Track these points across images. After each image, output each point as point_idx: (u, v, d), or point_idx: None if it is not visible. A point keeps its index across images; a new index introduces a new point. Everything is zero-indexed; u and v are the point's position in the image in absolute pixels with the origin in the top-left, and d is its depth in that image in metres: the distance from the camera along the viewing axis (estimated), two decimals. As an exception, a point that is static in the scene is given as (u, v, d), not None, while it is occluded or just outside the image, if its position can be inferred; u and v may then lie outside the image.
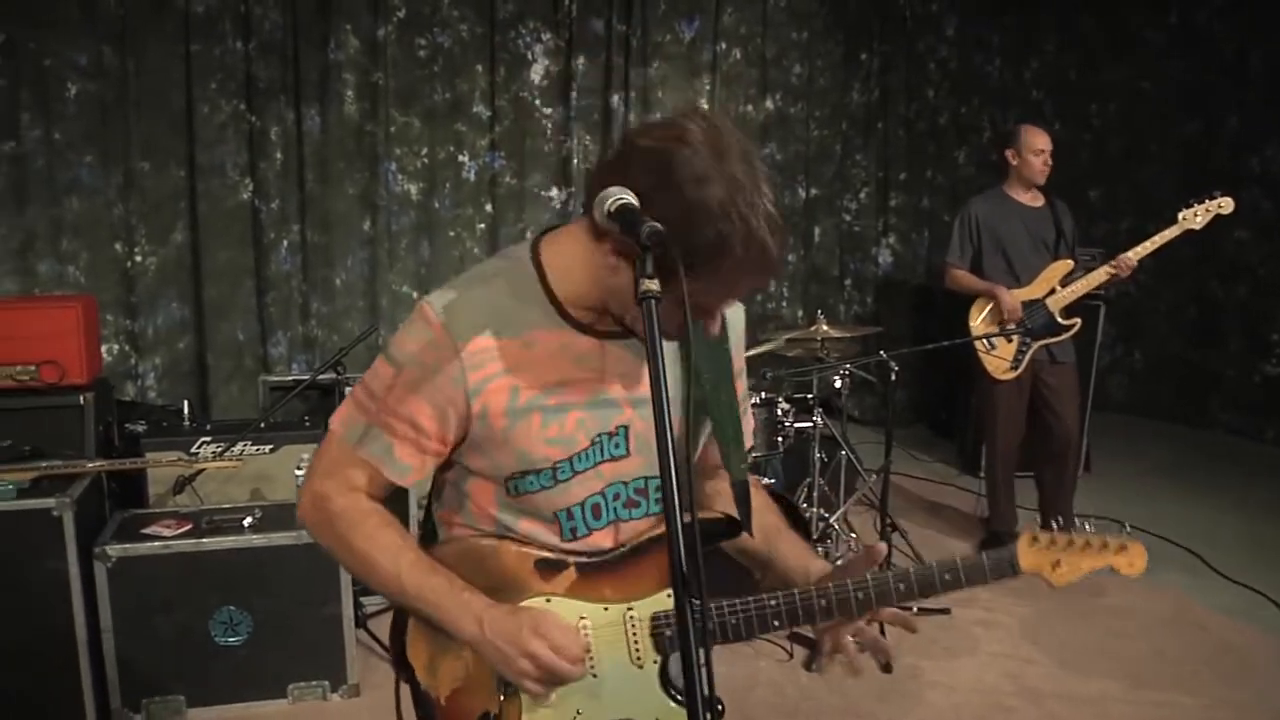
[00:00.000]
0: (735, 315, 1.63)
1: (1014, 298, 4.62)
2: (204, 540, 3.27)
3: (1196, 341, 7.66)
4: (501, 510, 1.53)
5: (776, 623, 1.54)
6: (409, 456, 1.46)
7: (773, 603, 1.53)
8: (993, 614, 4.15)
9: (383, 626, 3.90)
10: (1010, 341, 4.65)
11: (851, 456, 4.77)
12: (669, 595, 1.50)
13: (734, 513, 1.60)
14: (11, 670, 3.08)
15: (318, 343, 6.01)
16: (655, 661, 1.52)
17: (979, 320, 4.73)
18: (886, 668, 3.67)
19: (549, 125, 6.50)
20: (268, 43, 5.71)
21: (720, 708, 1.55)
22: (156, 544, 3.23)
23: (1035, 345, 4.66)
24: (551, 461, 1.46)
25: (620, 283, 1.33)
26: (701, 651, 1.15)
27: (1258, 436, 7.16)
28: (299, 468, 3.48)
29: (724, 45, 6.87)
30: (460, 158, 6.30)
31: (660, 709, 1.53)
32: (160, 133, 5.61)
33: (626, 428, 1.51)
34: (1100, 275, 4.52)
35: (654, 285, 1.18)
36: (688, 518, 1.47)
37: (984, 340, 4.63)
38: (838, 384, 4.60)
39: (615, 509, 1.53)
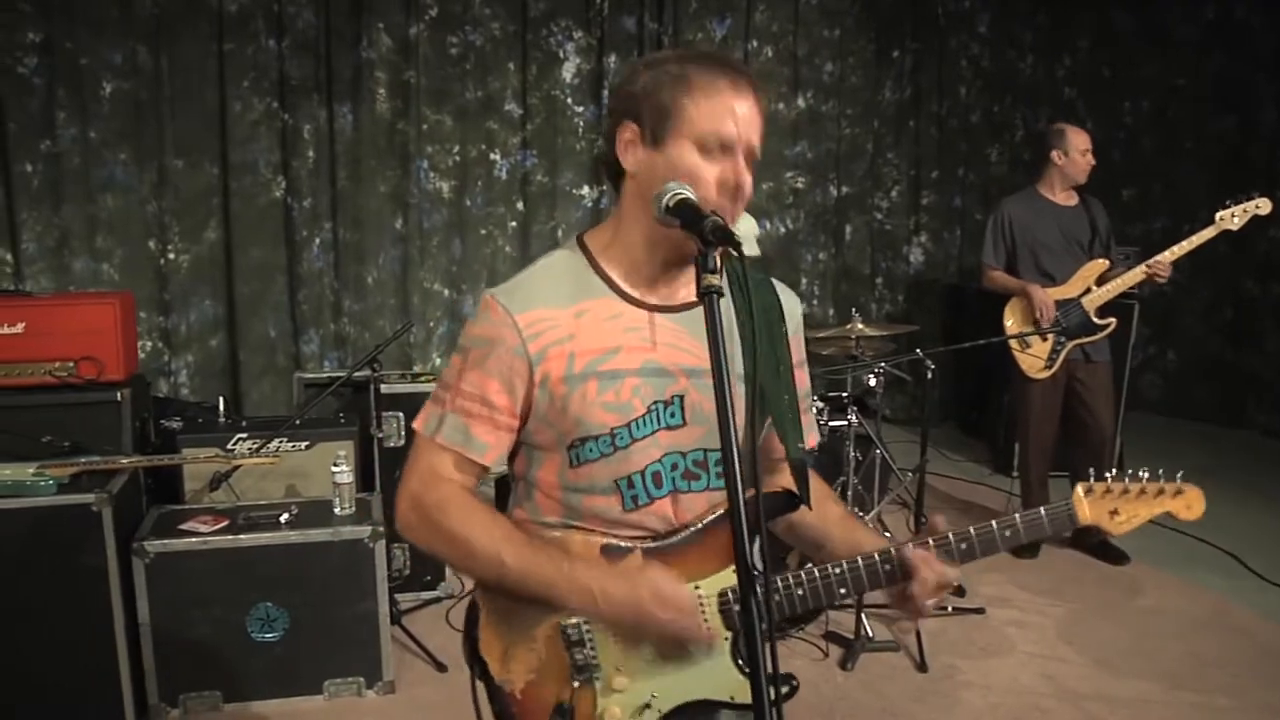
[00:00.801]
0: (791, 304, 1.66)
1: (1048, 295, 4.58)
2: (241, 536, 3.27)
3: (1231, 341, 7.57)
4: (565, 490, 1.55)
5: (843, 590, 1.56)
6: (485, 434, 1.52)
7: (837, 570, 1.55)
8: (1027, 614, 4.11)
9: (416, 623, 3.91)
10: (1045, 340, 4.62)
11: (886, 455, 4.74)
12: (734, 572, 1.50)
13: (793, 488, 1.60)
14: (50, 664, 3.10)
15: (349, 340, 6.03)
16: (726, 638, 1.53)
17: (1014, 319, 4.70)
18: (922, 667, 3.66)
19: (580, 123, 6.50)
20: (300, 41, 5.74)
21: (794, 684, 1.59)
22: (194, 540, 3.24)
23: (1070, 344, 4.62)
24: (609, 428, 1.50)
25: (677, 233, 1.38)
26: (764, 625, 1.18)
27: (1295, 437, 7.07)
28: (335, 464, 3.48)
29: (755, 43, 6.85)
30: (492, 156, 6.31)
31: (735, 686, 1.54)
32: (194, 131, 5.65)
33: (682, 396, 1.54)
34: (1136, 275, 4.48)
35: (716, 280, 1.24)
36: (749, 494, 1.53)
37: (1019, 339, 4.60)
38: (872, 382, 4.57)
39: (674, 479, 1.55)
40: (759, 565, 1.48)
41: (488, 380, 1.50)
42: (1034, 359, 4.66)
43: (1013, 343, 4.62)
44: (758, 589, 1.18)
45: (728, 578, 1.52)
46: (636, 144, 1.48)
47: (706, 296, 1.23)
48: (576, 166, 6.52)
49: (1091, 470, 1.62)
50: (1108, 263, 4.63)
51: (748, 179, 1.47)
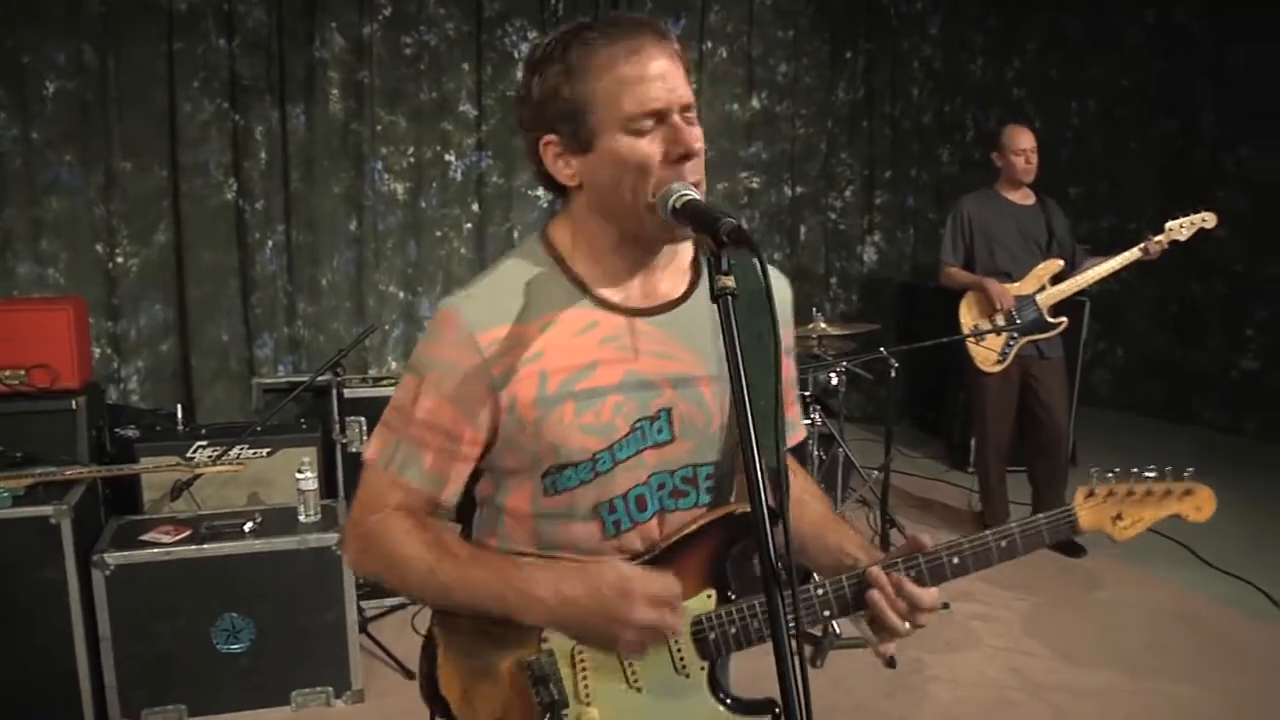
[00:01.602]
0: (781, 286, 1.55)
1: (1003, 288, 4.64)
2: (205, 546, 3.21)
3: (1177, 338, 7.74)
4: (539, 518, 1.44)
5: (827, 612, 1.45)
6: (441, 467, 1.40)
7: (820, 592, 1.44)
8: (990, 608, 4.16)
9: (383, 630, 3.86)
10: (999, 335, 4.69)
11: (848, 454, 4.77)
12: (708, 596, 1.44)
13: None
14: (9, 680, 3.02)
15: (304, 344, 5.93)
16: (702, 668, 1.44)
17: (969, 313, 4.76)
18: (891, 662, 3.68)
19: (536, 124, 6.44)
20: (252, 40, 5.63)
21: (776, 711, 1.49)
22: (156, 551, 3.17)
23: (1022, 341, 4.69)
24: (590, 453, 1.38)
25: (608, 194, 1.33)
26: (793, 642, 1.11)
27: (1238, 431, 7.24)
28: (300, 471, 3.42)
29: (710, 44, 6.85)
30: (447, 157, 6.24)
31: (712, 716, 1.45)
32: (142, 132, 5.52)
33: (669, 410, 1.42)
34: (1128, 257, 4.53)
35: (730, 282, 1.17)
36: (741, 510, 1.47)
37: (975, 336, 4.66)
38: (834, 381, 4.60)
39: (661, 499, 1.44)
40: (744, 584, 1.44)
41: (445, 406, 1.37)
42: (987, 352, 4.72)
43: (968, 337, 4.68)
44: (782, 600, 1.12)
45: (701, 603, 1.43)
46: (566, 155, 1.35)
47: (721, 299, 1.16)
48: (531, 168, 6.45)
49: (1094, 470, 1.52)
50: (1062, 262, 4.70)
51: (693, 135, 1.30)
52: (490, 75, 6.25)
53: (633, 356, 1.40)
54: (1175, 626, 4.08)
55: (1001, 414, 4.85)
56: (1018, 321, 4.65)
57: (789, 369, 1.59)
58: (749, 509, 1.46)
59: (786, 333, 1.57)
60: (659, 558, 1.44)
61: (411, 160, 6.13)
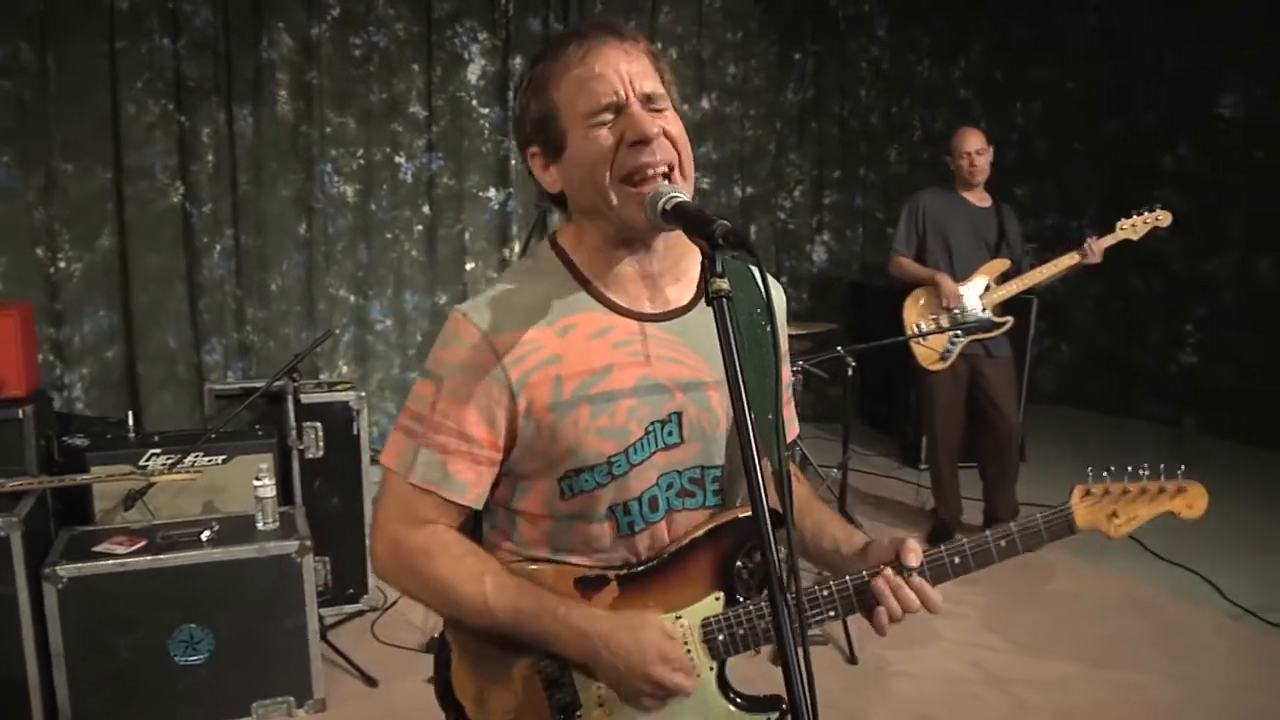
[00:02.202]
0: (776, 292, 1.57)
1: (953, 284, 4.70)
2: (161, 556, 3.13)
3: (1119, 334, 7.91)
4: (555, 520, 1.45)
5: (831, 613, 1.48)
6: (465, 471, 1.39)
7: (825, 593, 1.47)
8: (949, 604, 4.14)
9: (343, 637, 3.81)
10: (942, 333, 4.74)
11: (805, 453, 4.81)
12: (716, 599, 1.46)
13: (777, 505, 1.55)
14: (-44, 701, 2.93)
15: (254, 349, 5.86)
16: (711, 669, 1.46)
17: (912, 309, 4.80)
18: (853, 659, 3.71)
19: (486, 125, 6.43)
20: (198, 40, 5.55)
21: (784, 707, 1.50)
22: (110, 562, 3.09)
23: (966, 339, 4.75)
24: (606, 456, 1.39)
25: (584, 194, 1.36)
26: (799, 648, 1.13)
27: (1178, 424, 7.40)
28: (258, 478, 3.37)
29: (660, 45, 6.85)
30: (397, 159, 6.20)
31: (721, 716, 1.47)
32: (84, 133, 5.41)
33: (680, 414, 1.43)
34: (1066, 261, 4.61)
35: (724, 284, 1.18)
36: (746, 513, 1.48)
37: (917, 329, 4.71)
38: (790, 380, 4.63)
39: (669, 499, 1.45)
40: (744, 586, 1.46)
41: (464, 412, 1.37)
42: (929, 350, 4.77)
43: (910, 333, 4.73)
44: (788, 603, 1.14)
45: (710, 606, 1.46)
46: (546, 164, 1.40)
47: (716, 302, 1.17)
48: (483, 169, 6.45)
49: (1090, 470, 1.54)
50: (1009, 263, 4.77)
51: (648, 120, 1.31)
52: (440, 76, 6.22)
53: (645, 361, 1.41)
54: (1128, 617, 4.17)
55: (951, 412, 4.91)
56: (960, 320, 4.71)
57: (785, 374, 1.61)
58: (745, 514, 1.50)
59: (783, 337, 1.59)
60: (668, 561, 1.46)
61: (361, 162, 6.08)
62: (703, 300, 1.45)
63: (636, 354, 1.41)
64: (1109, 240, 4.55)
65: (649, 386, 1.41)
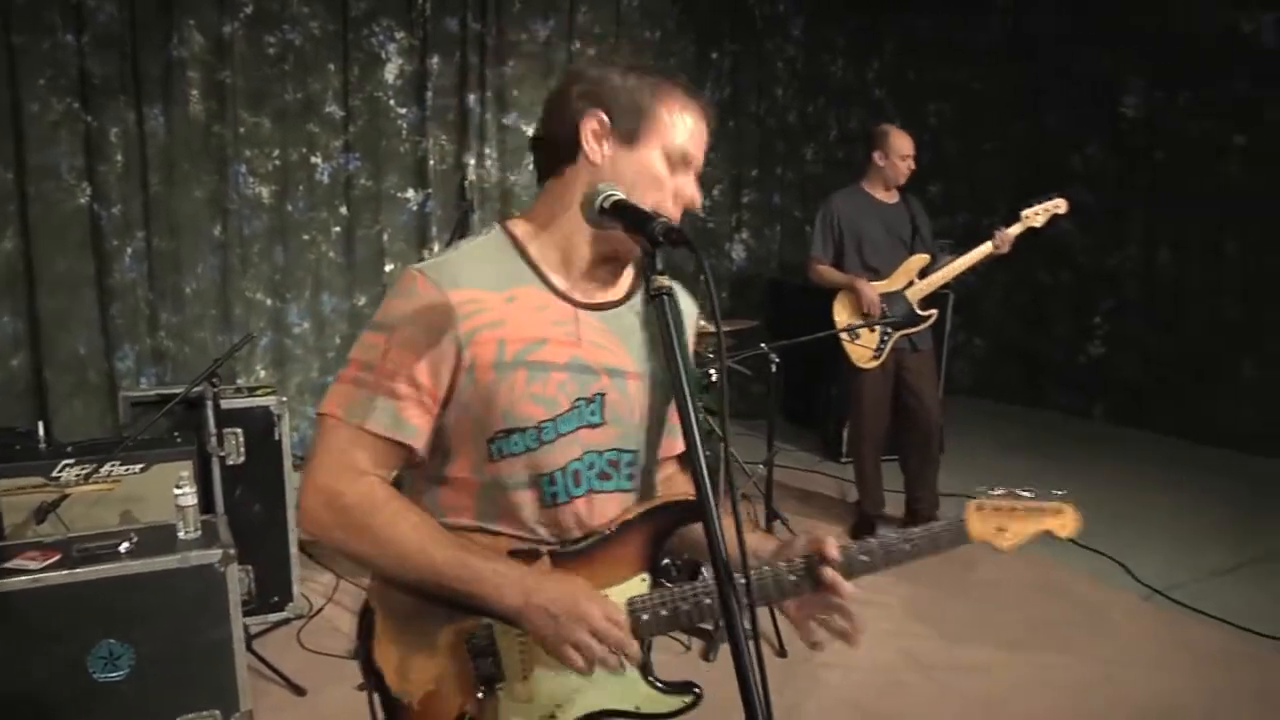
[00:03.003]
0: (689, 306, 1.70)
1: (874, 290, 4.79)
2: (77, 570, 3.03)
3: (1029, 327, 8.14)
4: (482, 485, 1.49)
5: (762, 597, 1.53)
6: (416, 418, 1.44)
7: (770, 575, 1.52)
8: (875, 594, 4.29)
9: (269, 646, 3.74)
10: (873, 332, 4.83)
11: (731, 451, 4.84)
12: (643, 580, 1.52)
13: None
14: None
15: (169, 354, 5.69)
16: None
17: (844, 312, 4.88)
18: (782, 652, 3.77)
19: (404, 126, 6.35)
20: (103, 36, 5.35)
21: (697, 691, 1.58)
22: (23, 579, 2.97)
23: (896, 335, 4.85)
24: (536, 421, 1.46)
25: (619, 185, 1.42)
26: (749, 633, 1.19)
27: (1087, 413, 7.66)
28: (178, 486, 3.28)
29: (579, 44, 6.86)
30: (313, 159, 6.08)
31: (640, 697, 1.53)
32: (-18, 131, 5.20)
33: (603, 395, 1.52)
34: (981, 251, 4.72)
35: (666, 281, 1.25)
36: (673, 500, 1.57)
37: (849, 331, 4.80)
38: (714, 378, 4.66)
39: (590, 479, 1.52)
40: (670, 573, 1.51)
41: (414, 359, 1.42)
42: (863, 350, 4.86)
43: (843, 334, 4.81)
44: (736, 589, 1.19)
45: (636, 586, 1.51)
46: (605, 136, 1.46)
47: (658, 298, 1.24)
48: (401, 169, 6.36)
49: (980, 489, 1.67)
50: (929, 258, 4.88)
51: (698, 194, 1.52)
52: (357, 75, 6.12)
53: (576, 342, 1.50)
54: (1047, 601, 4.31)
55: (878, 407, 5.01)
56: (889, 317, 4.80)
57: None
58: (681, 499, 1.57)
59: (691, 343, 1.69)
60: (600, 541, 1.52)
61: (277, 163, 5.95)
62: (632, 298, 1.59)
63: (570, 334, 1.51)
64: (1017, 229, 4.68)
65: (579, 365, 1.50)
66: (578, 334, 1.50)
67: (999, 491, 1.65)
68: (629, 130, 1.46)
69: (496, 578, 1.39)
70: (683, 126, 1.48)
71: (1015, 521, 1.63)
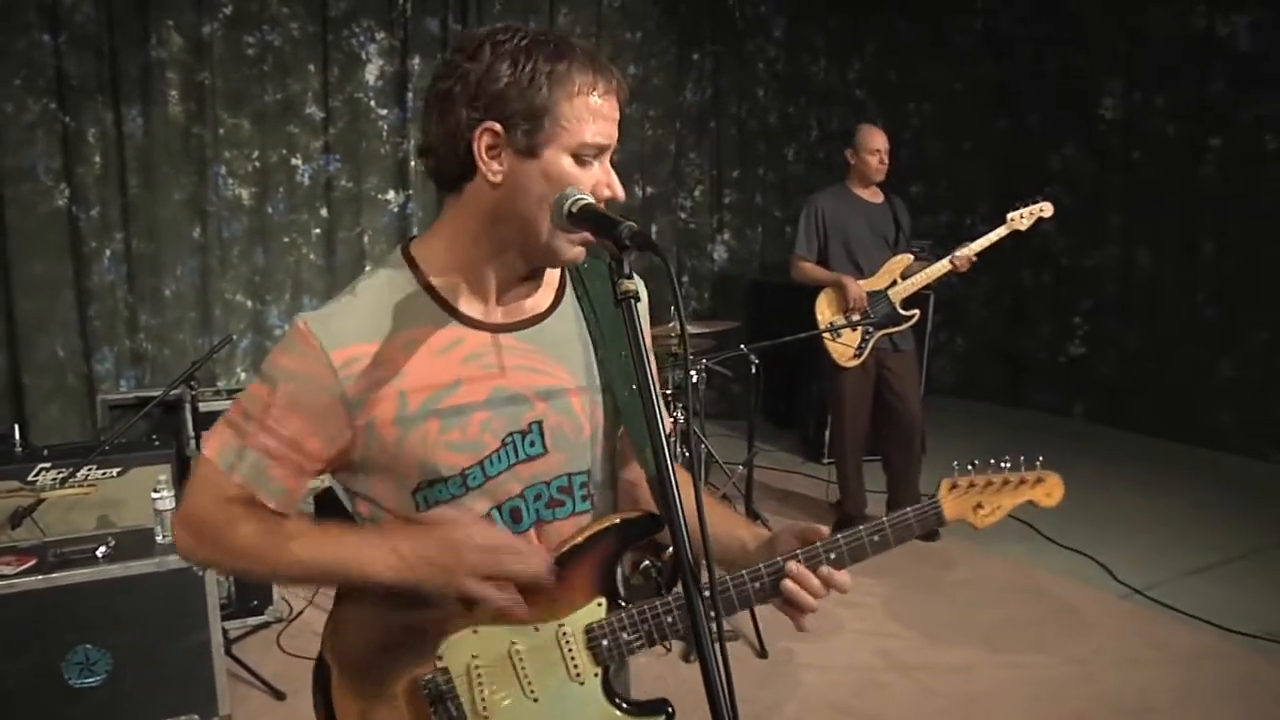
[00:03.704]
0: (641, 290, 1.54)
1: (859, 287, 4.81)
2: (54, 575, 3.02)
3: (1011, 327, 8.18)
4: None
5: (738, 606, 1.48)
6: (285, 479, 1.38)
7: (722, 590, 1.46)
8: (853, 595, 4.23)
9: (248, 650, 3.73)
10: (855, 331, 4.85)
11: (710, 450, 4.86)
12: (599, 604, 1.46)
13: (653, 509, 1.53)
14: None
15: (148, 357, 5.67)
16: (596, 675, 1.46)
17: (826, 310, 4.90)
18: (762, 653, 3.78)
19: (385, 127, 6.34)
20: (80, 37, 5.33)
21: (669, 711, 1.52)
22: (-1, 583, 2.98)
23: (878, 334, 4.87)
24: (459, 469, 1.38)
25: (527, 202, 1.32)
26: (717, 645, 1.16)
27: (1067, 412, 7.70)
28: (156, 489, 3.27)
29: (559, 45, 6.84)
30: (293, 161, 6.07)
31: (608, 719, 1.47)
32: (-44, 132, 5.17)
33: (540, 423, 1.42)
34: (939, 269, 4.75)
35: (632, 285, 1.19)
36: (625, 518, 1.50)
37: (831, 330, 4.81)
38: (694, 379, 4.68)
39: (537, 510, 1.44)
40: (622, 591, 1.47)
41: (296, 420, 1.35)
42: (844, 348, 4.88)
43: (825, 333, 4.83)
44: (700, 603, 1.17)
45: (593, 612, 1.45)
46: (501, 150, 1.30)
47: (625, 303, 1.18)
48: (381, 171, 6.35)
49: (955, 464, 1.60)
50: (912, 257, 4.90)
51: (618, 185, 1.36)
52: (337, 76, 6.11)
53: (499, 372, 1.40)
54: (1024, 601, 4.33)
55: (860, 407, 5.03)
56: (871, 316, 4.82)
57: (651, 366, 1.58)
58: (632, 516, 1.50)
59: (645, 332, 1.55)
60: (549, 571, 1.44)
61: (257, 164, 5.94)
62: (561, 305, 1.50)
63: (490, 366, 1.40)
64: (979, 244, 4.68)
65: (504, 398, 1.40)
66: (499, 363, 1.40)
67: (972, 466, 1.59)
68: (528, 140, 1.29)
69: (360, 550, 1.35)
70: (589, 115, 1.30)
71: (992, 496, 1.58)
